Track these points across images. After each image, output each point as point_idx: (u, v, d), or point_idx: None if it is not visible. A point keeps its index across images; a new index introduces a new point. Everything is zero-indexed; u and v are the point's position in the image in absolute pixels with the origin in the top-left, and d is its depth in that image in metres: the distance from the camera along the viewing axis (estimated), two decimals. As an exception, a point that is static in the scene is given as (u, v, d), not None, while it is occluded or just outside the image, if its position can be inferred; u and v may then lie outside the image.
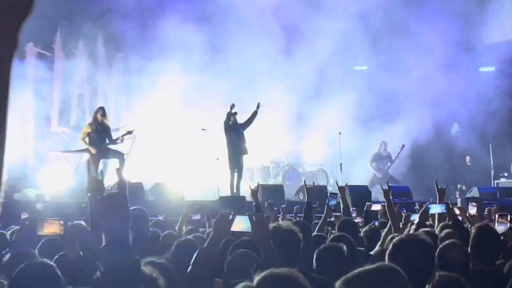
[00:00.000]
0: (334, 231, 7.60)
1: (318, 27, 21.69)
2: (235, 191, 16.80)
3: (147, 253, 5.32)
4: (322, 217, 8.14)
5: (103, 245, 3.52)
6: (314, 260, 5.45)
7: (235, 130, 16.93)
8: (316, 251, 5.54)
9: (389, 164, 19.43)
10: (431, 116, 21.68)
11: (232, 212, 4.97)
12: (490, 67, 23.10)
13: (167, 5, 21.29)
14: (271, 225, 5.00)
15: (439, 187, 8.02)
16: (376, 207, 9.78)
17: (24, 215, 8.46)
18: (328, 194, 9.20)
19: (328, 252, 5.54)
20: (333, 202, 8.42)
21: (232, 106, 16.81)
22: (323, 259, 5.45)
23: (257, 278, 2.93)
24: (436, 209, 7.73)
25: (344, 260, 5.40)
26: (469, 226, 7.93)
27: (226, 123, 16.89)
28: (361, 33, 21.28)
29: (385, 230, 7.52)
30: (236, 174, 16.93)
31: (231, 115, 16.85)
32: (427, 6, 21.85)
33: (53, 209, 10.74)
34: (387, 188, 8.67)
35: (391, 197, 8.15)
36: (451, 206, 7.82)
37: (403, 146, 19.63)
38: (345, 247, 5.57)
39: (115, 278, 3.41)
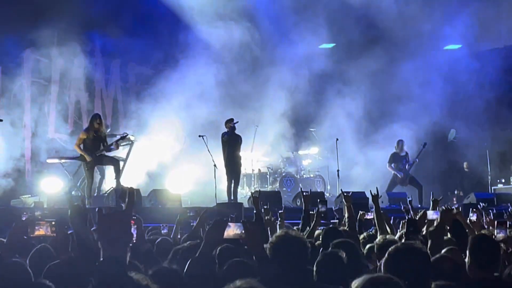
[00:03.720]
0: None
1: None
2: (232, 197, 16.80)
3: (141, 262, 5.29)
4: (312, 224, 8.06)
5: (100, 260, 3.47)
6: (314, 268, 5.41)
7: (234, 140, 17.06)
8: (317, 259, 5.51)
9: (410, 163, 19.02)
10: (428, 121, 21.70)
11: (227, 219, 4.95)
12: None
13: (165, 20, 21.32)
14: (279, 232, 4.96)
15: (434, 198, 8.01)
16: (369, 216, 9.70)
17: (25, 217, 8.42)
18: (318, 201, 9.01)
19: (328, 259, 5.51)
20: (322, 209, 8.30)
21: (234, 121, 17.08)
22: (323, 266, 5.42)
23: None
24: (433, 215, 7.72)
25: (344, 268, 5.38)
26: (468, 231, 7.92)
27: (226, 133, 17.02)
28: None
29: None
30: (233, 181, 16.94)
31: (231, 126, 17.01)
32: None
33: (51, 216, 10.69)
34: (376, 193, 8.67)
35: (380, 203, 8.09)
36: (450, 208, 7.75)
37: (425, 144, 19.31)
38: (344, 255, 5.54)
39: None
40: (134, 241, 5.61)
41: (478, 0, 21.59)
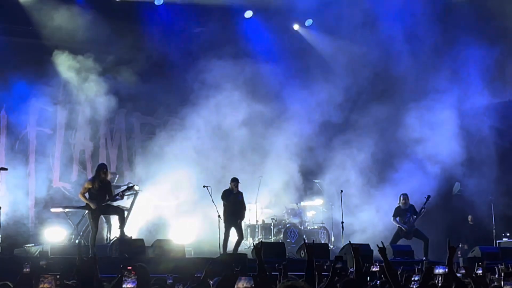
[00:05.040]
0: None
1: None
2: (231, 251, 16.90)
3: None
4: (327, 280, 8.02)
5: None
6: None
7: (234, 198, 17.55)
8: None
9: (414, 217, 18.98)
10: (433, 174, 21.72)
11: (237, 272, 4.94)
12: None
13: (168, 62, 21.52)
14: (287, 283, 4.94)
15: (451, 245, 7.94)
16: (375, 268, 9.65)
17: (26, 269, 8.40)
18: (334, 257, 8.97)
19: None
20: (339, 265, 8.26)
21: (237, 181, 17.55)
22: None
23: None
24: (439, 269, 7.68)
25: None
26: (473, 287, 7.88)
27: (228, 192, 17.53)
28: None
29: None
30: (230, 235, 17.34)
31: (234, 187, 17.56)
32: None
33: (56, 266, 10.67)
34: (382, 247, 8.62)
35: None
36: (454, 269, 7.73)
37: (429, 196, 19.28)
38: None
39: None
40: None
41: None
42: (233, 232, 17.41)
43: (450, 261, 7.65)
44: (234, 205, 17.56)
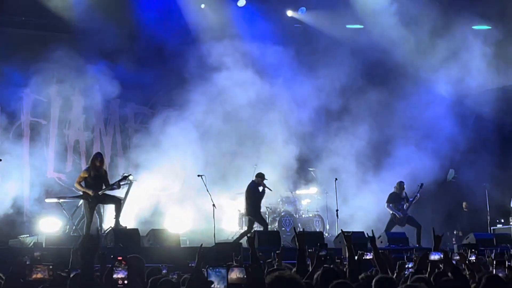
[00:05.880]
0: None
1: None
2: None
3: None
4: (311, 269, 7.99)
5: None
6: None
7: (261, 193, 18.10)
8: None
9: (407, 204, 19.04)
10: (427, 161, 21.74)
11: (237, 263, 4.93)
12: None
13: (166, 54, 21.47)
14: (274, 274, 4.94)
15: (436, 234, 7.95)
16: (368, 256, 9.62)
17: (27, 261, 8.42)
18: (318, 244, 8.88)
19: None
20: (323, 253, 8.19)
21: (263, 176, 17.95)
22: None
23: None
24: (434, 256, 7.68)
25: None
26: (467, 273, 7.91)
27: (255, 186, 17.97)
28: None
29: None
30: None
31: (260, 181, 17.96)
32: None
33: (50, 257, 10.67)
34: (372, 236, 8.66)
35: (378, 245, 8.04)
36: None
37: (422, 184, 19.34)
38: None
39: None
40: (126, 282, 5.57)
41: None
42: (231, 223, 17.46)
43: (437, 250, 7.65)
44: (259, 199, 18.09)
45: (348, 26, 23.18)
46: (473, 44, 21.96)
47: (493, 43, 21.95)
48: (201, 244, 6.36)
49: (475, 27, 22.46)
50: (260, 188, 18.03)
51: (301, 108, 22.17)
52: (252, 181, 18.13)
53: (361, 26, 23.06)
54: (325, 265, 7.80)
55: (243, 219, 20.55)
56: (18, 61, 19.81)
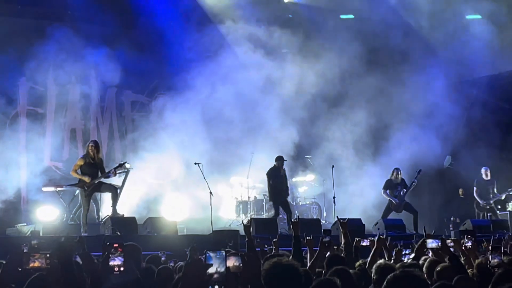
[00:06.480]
0: None
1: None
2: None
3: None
4: (315, 255, 8.03)
5: None
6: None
7: (282, 177, 18.22)
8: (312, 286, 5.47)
9: (404, 190, 19.03)
10: (424, 147, 21.74)
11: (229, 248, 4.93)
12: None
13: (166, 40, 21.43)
14: (272, 260, 4.94)
15: (427, 233, 7.99)
16: (365, 242, 9.64)
17: (25, 250, 8.44)
18: (322, 231, 8.95)
19: (322, 286, 5.47)
20: (326, 239, 8.24)
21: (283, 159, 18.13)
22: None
23: None
24: (432, 243, 7.70)
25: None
26: (463, 259, 7.92)
27: (275, 171, 18.05)
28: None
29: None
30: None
31: (280, 165, 18.09)
32: None
33: (48, 245, 10.67)
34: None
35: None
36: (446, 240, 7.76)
37: (419, 170, 19.34)
38: (339, 281, 5.51)
39: None
40: (122, 269, 5.57)
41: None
42: (229, 210, 17.45)
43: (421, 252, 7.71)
44: (282, 183, 18.12)
45: (342, 16, 23.13)
46: (473, 28, 21.95)
47: (493, 27, 21.90)
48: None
49: (469, 17, 22.43)
50: (282, 172, 18.10)
51: (298, 94, 22.12)
52: (274, 165, 18.17)
53: (352, 16, 23.02)
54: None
55: (240, 207, 20.56)
56: (14, 49, 19.76)
